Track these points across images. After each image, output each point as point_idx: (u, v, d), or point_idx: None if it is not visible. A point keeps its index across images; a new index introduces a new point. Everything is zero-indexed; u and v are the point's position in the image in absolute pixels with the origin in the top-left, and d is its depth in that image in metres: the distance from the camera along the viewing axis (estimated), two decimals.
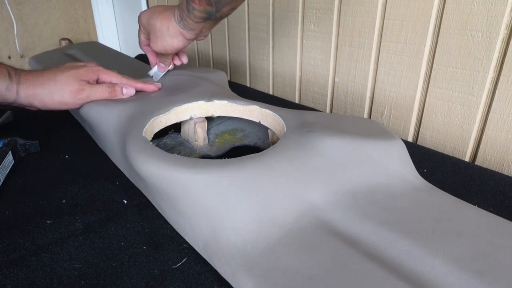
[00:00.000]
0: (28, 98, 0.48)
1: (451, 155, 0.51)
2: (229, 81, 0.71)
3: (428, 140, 0.60)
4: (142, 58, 0.99)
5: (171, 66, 0.60)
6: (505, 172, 0.51)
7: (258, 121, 0.49)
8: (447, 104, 0.56)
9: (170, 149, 0.50)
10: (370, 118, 0.68)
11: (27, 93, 0.47)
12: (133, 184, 0.44)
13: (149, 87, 0.54)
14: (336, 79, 0.71)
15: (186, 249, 0.34)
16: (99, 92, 0.50)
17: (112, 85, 0.51)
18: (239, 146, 0.51)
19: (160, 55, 0.57)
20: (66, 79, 0.49)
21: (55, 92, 0.48)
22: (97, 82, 0.52)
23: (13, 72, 0.47)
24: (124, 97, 0.52)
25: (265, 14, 0.82)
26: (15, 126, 0.61)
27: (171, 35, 0.51)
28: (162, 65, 0.59)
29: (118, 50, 1.19)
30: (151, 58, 0.60)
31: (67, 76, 0.49)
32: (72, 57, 0.85)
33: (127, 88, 0.52)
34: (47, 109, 0.49)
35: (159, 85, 0.55)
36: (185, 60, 0.61)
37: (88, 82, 0.50)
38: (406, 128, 0.62)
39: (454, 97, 0.54)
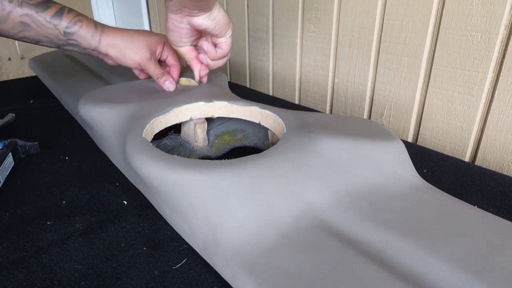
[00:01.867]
0: (107, 47, 0.53)
1: (451, 155, 0.51)
2: (229, 82, 0.71)
3: (428, 140, 0.60)
4: None
5: (205, 74, 0.57)
6: (505, 172, 0.51)
7: (258, 122, 0.49)
8: (446, 105, 0.56)
9: (170, 150, 0.50)
10: (370, 118, 0.68)
11: (107, 41, 0.53)
12: (133, 185, 0.44)
13: (168, 86, 0.56)
14: (336, 80, 0.71)
15: (186, 250, 0.34)
16: (153, 73, 0.55)
17: (163, 73, 0.56)
18: (239, 147, 0.51)
19: (181, 57, 0.57)
20: (142, 42, 0.55)
21: (129, 48, 0.54)
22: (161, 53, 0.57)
23: (99, 25, 0.54)
24: (163, 88, 0.56)
25: (265, 14, 0.82)
26: (15, 128, 0.61)
27: (165, 19, 0.50)
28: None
29: None
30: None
31: (143, 41, 0.55)
32: (73, 59, 0.85)
33: (168, 85, 0.55)
34: (117, 63, 0.55)
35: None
36: (206, 47, 0.54)
37: (154, 53, 0.56)
38: (406, 129, 0.62)
39: (454, 98, 0.54)
